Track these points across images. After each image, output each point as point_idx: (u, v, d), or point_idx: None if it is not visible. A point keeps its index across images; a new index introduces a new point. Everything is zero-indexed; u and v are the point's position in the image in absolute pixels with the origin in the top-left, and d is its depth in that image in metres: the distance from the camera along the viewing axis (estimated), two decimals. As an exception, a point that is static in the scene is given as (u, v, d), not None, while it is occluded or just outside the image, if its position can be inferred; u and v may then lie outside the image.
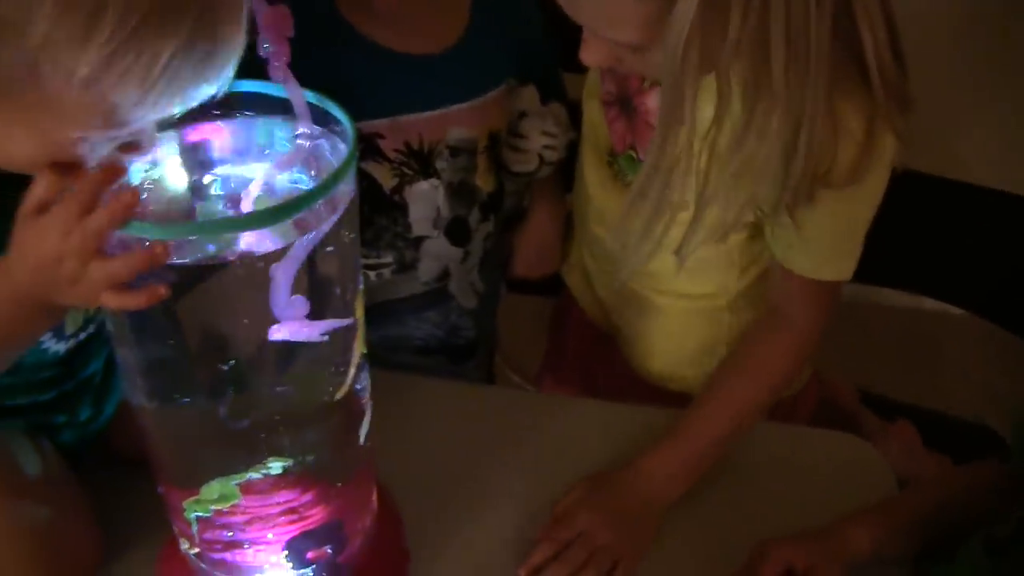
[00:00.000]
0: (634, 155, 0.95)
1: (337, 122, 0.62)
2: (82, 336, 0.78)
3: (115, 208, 0.53)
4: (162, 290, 0.55)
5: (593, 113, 0.98)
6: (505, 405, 1.02)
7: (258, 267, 0.56)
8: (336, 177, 0.56)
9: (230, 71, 0.56)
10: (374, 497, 0.81)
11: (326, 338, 0.63)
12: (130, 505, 0.84)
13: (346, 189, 0.60)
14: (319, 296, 0.62)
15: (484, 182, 1.06)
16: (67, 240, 0.54)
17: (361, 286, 0.70)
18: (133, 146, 0.59)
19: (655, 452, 0.89)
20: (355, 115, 0.93)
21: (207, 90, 0.56)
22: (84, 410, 0.85)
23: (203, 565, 0.76)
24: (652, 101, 0.90)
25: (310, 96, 0.63)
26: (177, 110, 0.56)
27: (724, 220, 0.81)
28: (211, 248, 0.57)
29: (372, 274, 1.05)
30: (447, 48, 0.99)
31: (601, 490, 0.87)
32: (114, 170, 0.56)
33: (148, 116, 0.55)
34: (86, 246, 0.54)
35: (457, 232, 1.06)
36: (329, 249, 0.61)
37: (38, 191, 0.56)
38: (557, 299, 1.25)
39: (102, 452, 0.88)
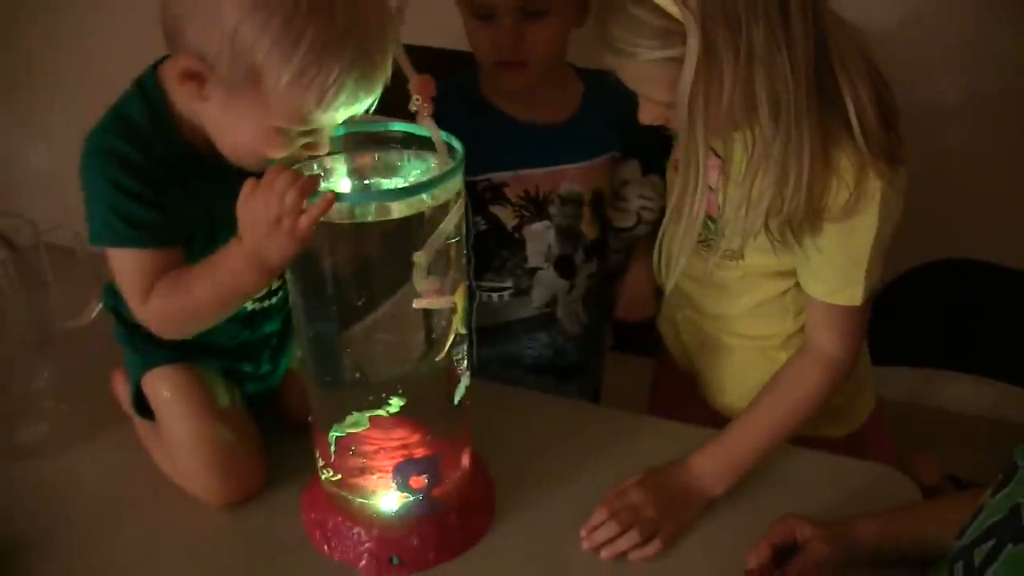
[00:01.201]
0: None
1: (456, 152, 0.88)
2: (265, 303, 1.07)
3: (309, 182, 0.81)
4: (331, 196, 0.81)
5: (670, 179, 1.19)
6: (593, 417, 1.24)
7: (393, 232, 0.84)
8: (447, 174, 0.83)
9: (379, 90, 0.84)
10: (467, 451, 1.04)
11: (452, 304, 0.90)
12: (286, 451, 1.09)
13: (453, 189, 0.86)
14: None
15: (589, 230, 1.29)
16: (283, 203, 0.81)
17: (465, 280, 0.95)
18: (312, 146, 0.88)
19: (702, 454, 1.07)
20: (488, 168, 1.23)
21: (364, 102, 0.84)
22: (264, 364, 1.12)
23: (336, 490, 1.00)
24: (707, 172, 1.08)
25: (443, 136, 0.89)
26: (345, 115, 0.84)
27: (738, 242, 1.02)
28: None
29: (495, 296, 1.29)
30: (562, 122, 1.26)
31: (655, 477, 1.06)
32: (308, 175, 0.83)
33: (324, 117, 0.83)
34: (296, 205, 0.81)
35: (564, 267, 1.29)
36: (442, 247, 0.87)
37: (247, 188, 0.84)
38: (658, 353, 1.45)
39: (271, 412, 1.15)
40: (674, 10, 0.86)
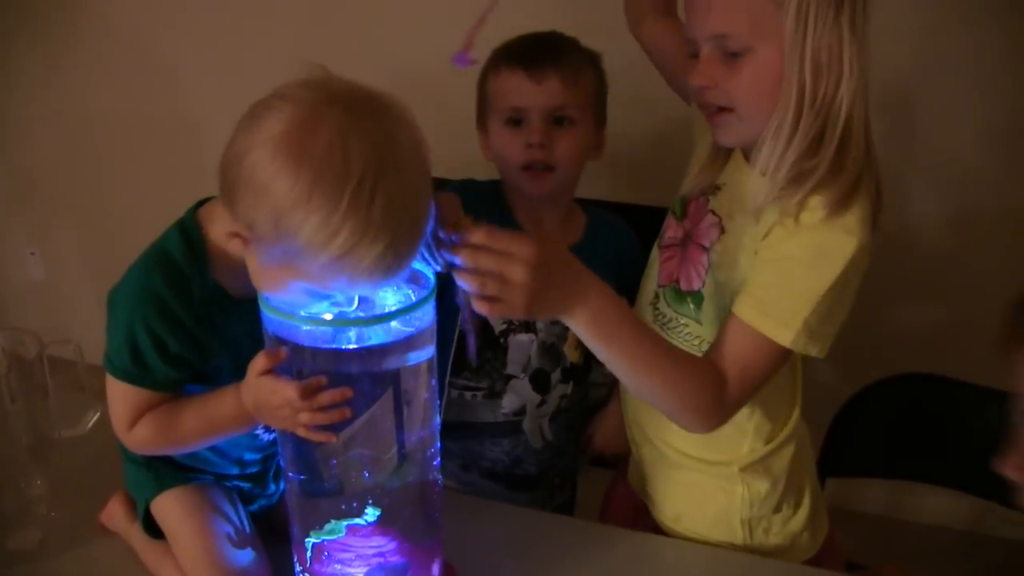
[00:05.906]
0: (677, 286, 1.17)
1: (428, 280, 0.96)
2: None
3: (318, 401, 0.92)
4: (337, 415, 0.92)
5: (651, 266, 1.25)
6: (562, 528, 1.28)
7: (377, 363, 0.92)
8: (418, 304, 0.92)
9: (406, 269, 0.89)
10: (439, 559, 1.08)
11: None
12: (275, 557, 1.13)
13: (426, 318, 0.94)
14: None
15: (571, 353, 1.36)
16: (288, 406, 0.93)
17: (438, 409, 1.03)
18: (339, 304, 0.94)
19: (603, 293, 0.99)
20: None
21: (393, 280, 0.90)
22: (270, 485, 1.20)
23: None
24: (704, 233, 1.14)
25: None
26: (368, 293, 0.93)
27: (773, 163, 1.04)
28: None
29: (468, 393, 1.35)
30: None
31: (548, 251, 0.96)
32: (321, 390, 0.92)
33: (353, 291, 0.91)
34: (297, 409, 0.92)
35: (539, 381, 1.35)
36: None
37: (262, 363, 0.94)
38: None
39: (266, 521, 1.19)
40: None
